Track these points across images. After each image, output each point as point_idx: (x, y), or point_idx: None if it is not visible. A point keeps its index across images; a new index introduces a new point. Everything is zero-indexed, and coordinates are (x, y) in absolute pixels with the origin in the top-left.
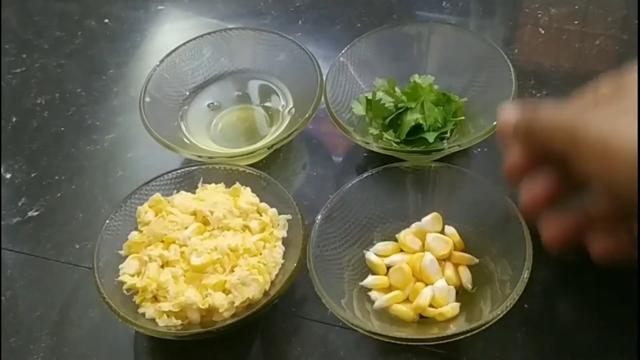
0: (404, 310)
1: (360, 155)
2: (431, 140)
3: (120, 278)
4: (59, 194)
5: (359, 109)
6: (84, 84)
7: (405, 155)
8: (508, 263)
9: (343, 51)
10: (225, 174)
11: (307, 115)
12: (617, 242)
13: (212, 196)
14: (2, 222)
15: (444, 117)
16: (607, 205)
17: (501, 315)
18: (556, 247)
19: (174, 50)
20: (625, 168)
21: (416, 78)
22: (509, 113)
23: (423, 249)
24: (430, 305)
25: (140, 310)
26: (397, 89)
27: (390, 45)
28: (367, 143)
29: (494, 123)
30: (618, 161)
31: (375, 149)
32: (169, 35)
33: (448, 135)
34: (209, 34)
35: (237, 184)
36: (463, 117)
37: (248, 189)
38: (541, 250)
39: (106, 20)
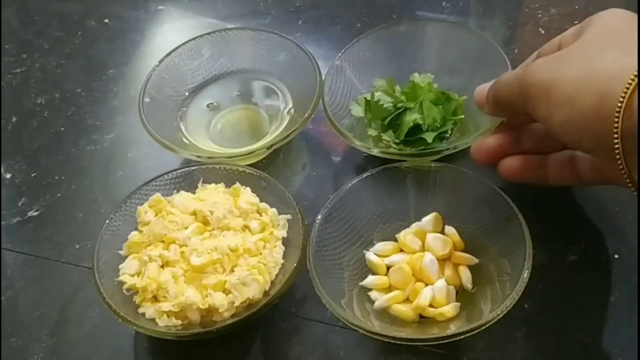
0: (404, 310)
1: (360, 155)
2: (430, 140)
3: (120, 278)
4: (59, 194)
5: (358, 111)
6: (84, 84)
7: (402, 157)
8: (508, 263)
9: (340, 54)
10: (225, 174)
11: (306, 115)
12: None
13: (212, 196)
14: (2, 222)
15: (443, 116)
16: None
17: (501, 315)
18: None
19: (173, 50)
20: (563, 107)
21: (415, 77)
22: (481, 89)
23: (423, 249)
24: (430, 305)
25: (140, 310)
26: (397, 88)
27: (388, 45)
28: (368, 148)
29: (494, 122)
30: (556, 100)
31: (375, 154)
32: (168, 35)
33: (448, 134)
34: (208, 34)
35: (237, 184)
36: (463, 116)
37: (248, 189)
38: (541, 251)
39: (106, 20)
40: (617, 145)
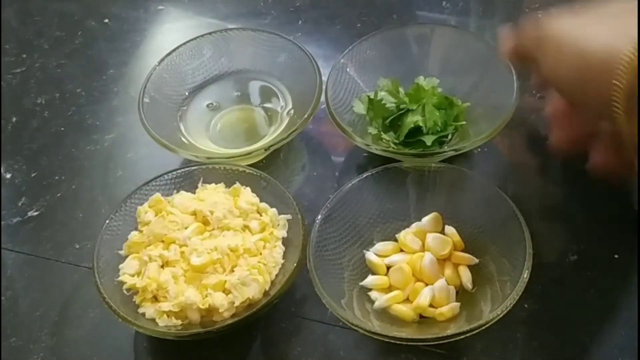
0: (404, 310)
1: (360, 155)
2: (429, 143)
3: (120, 278)
4: (59, 194)
5: (360, 108)
6: (84, 84)
7: (402, 157)
8: (508, 263)
9: (345, 52)
10: (225, 174)
11: (305, 117)
12: (612, 158)
13: (212, 196)
14: (2, 222)
15: (444, 121)
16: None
17: (501, 315)
18: (561, 150)
19: (173, 50)
20: (571, 63)
21: (421, 80)
22: (506, 37)
23: (423, 249)
24: (430, 305)
25: (140, 310)
26: (401, 90)
27: (392, 47)
28: (367, 145)
29: (493, 128)
30: (566, 55)
31: (374, 151)
32: (169, 35)
33: (448, 138)
34: (209, 34)
35: (237, 184)
36: (464, 122)
37: (248, 189)
38: (541, 250)
39: (106, 20)
40: (616, 102)
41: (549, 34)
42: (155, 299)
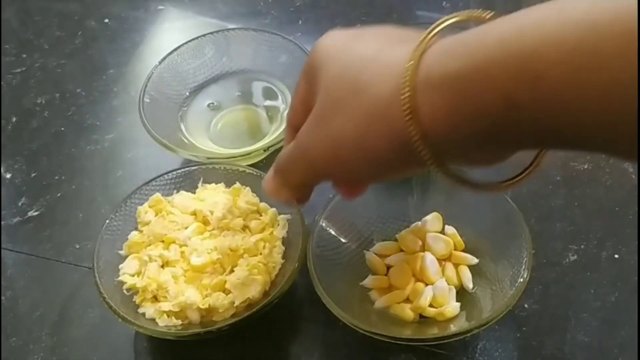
0: (404, 310)
1: None
2: None
3: (120, 278)
4: (59, 194)
5: None
6: (84, 84)
7: None
8: (508, 263)
9: None
10: (225, 174)
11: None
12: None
13: (212, 196)
14: (2, 222)
15: None
16: None
17: (501, 315)
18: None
19: (174, 50)
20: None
21: None
22: (266, 179)
23: (423, 249)
24: (430, 305)
25: (140, 310)
26: None
27: None
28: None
29: None
30: (340, 159)
31: None
32: (169, 35)
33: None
34: (210, 33)
35: (237, 184)
36: None
37: (248, 189)
38: (541, 250)
39: (106, 20)
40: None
41: (310, 152)
42: (155, 299)
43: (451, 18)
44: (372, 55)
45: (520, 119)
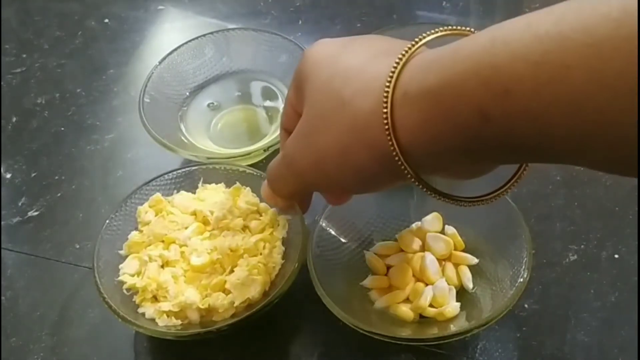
0: (404, 310)
1: None
2: None
3: (120, 278)
4: (59, 194)
5: None
6: (84, 84)
7: None
8: (508, 263)
9: None
10: (225, 174)
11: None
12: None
13: (212, 196)
14: (2, 222)
15: None
16: None
17: (501, 315)
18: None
19: (174, 50)
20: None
21: None
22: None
23: (423, 249)
24: (430, 305)
25: (140, 310)
26: None
27: None
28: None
29: None
30: (325, 170)
31: None
32: (169, 35)
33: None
34: (210, 33)
35: (237, 184)
36: None
37: (248, 189)
38: (541, 250)
39: (106, 20)
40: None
41: (298, 163)
42: (155, 299)
43: (433, 34)
44: (358, 67)
45: (494, 133)
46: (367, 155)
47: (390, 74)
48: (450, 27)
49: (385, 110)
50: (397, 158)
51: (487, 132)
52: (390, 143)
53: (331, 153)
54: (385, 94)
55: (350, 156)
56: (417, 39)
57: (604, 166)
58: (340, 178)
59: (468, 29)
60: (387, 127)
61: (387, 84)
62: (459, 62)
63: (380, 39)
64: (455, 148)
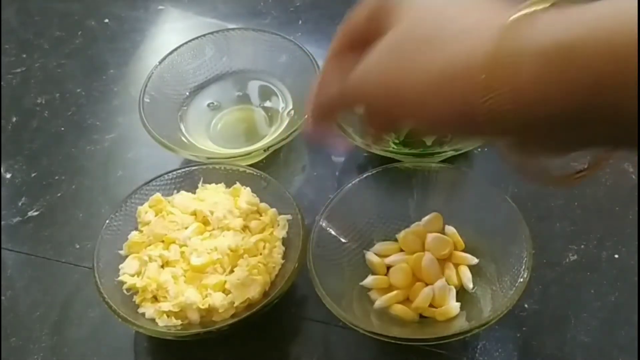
0: (404, 310)
1: (360, 155)
2: (429, 143)
3: (120, 278)
4: (59, 194)
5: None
6: (84, 84)
7: (402, 157)
8: (508, 263)
9: None
10: (225, 174)
11: (305, 117)
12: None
13: (212, 196)
14: (2, 222)
15: None
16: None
17: (501, 315)
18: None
19: (174, 50)
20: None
21: None
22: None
23: (423, 249)
24: (430, 305)
25: (140, 310)
26: None
27: None
28: (367, 145)
29: None
30: (410, 99)
31: (374, 151)
32: (169, 35)
33: (448, 138)
34: (210, 33)
35: (237, 184)
36: None
37: (248, 189)
38: (541, 250)
39: (106, 20)
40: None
41: (374, 92)
42: (155, 299)
43: None
44: (472, 4)
45: (608, 103)
46: (459, 96)
47: (508, 22)
48: None
49: (502, 60)
50: (488, 115)
51: (599, 101)
52: (489, 96)
53: (424, 77)
54: (500, 42)
55: (444, 86)
56: None
57: None
58: (419, 102)
59: None
60: (489, 79)
61: (507, 28)
62: (585, 25)
63: None
64: (556, 116)
